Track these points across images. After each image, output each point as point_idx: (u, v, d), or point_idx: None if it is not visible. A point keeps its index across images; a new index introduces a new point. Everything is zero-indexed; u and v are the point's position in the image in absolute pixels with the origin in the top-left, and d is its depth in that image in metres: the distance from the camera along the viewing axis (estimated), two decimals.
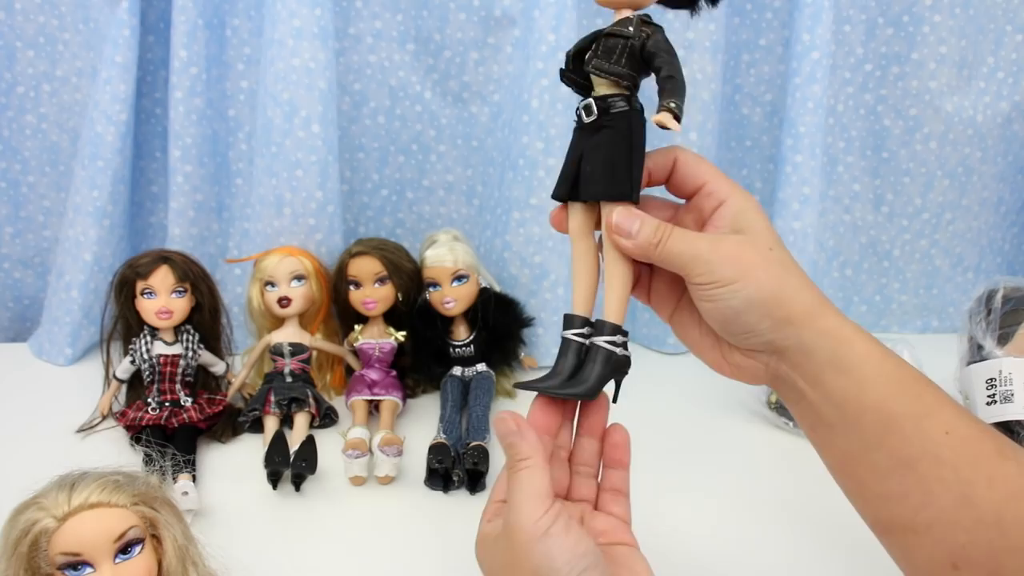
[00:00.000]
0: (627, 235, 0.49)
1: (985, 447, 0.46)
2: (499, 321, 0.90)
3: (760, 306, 0.48)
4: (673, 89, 0.47)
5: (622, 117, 0.50)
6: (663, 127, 0.45)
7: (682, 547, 0.69)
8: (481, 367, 0.90)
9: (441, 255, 0.88)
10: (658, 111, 0.46)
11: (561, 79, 0.54)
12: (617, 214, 0.49)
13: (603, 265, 0.51)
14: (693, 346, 0.55)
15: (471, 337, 0.90)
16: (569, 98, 0.93)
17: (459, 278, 0.88)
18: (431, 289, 0.88)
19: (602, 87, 0.50)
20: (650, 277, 0.55)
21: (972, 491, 0.45)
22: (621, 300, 0.50)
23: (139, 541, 0.51)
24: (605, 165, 0.50)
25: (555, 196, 0.52)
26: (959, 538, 0.45)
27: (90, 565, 0.49)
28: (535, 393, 0.51)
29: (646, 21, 0.50)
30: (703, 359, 0.54)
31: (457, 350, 0.90)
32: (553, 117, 0.92)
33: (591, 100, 0.50)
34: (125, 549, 0.50)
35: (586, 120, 0.50)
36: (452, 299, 0.87)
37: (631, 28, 0.49)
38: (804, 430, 0.52)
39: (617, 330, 0.49)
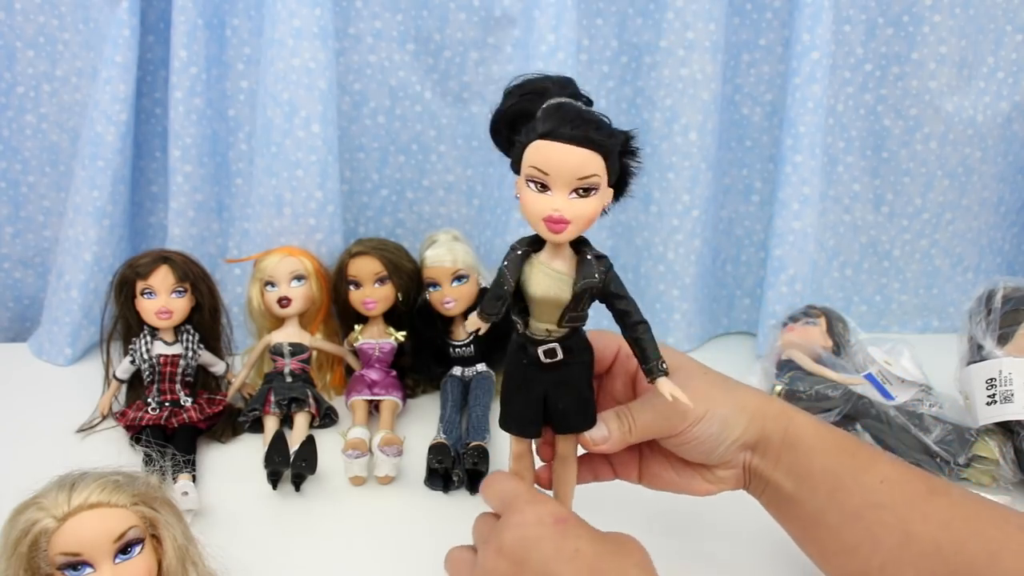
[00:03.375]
0: (602, 442, 0.55)
1: (917, 487, 0.54)
2: (500, 321, 0.90)
3: (732, 418, 0.56)
4: (653, 340, 0.52)
5: (584, 351, 0.54)
6: (676, 398, 0.51)
7: (680, 544, 0.69)
8: (481, 367, 0.90)
9: (441, 255, 0.88)
10: (657, 377, 0.52)
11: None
12: (588, 435, 0.55)
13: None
14: (672, 486, 0.61)
15: (471, 337, 0.90)
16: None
17: (459, 278, 0.88)
18: (431, 289, 0.88)
19: (561, 330, 0.52)
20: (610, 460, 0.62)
21: (911, 528, 0.52)
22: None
23: (139, 541, 0.51)
24: (579, 403, 0.54)
25: (525, 435, 0.56)
26: (908, 573, 0.52)
27: (90, 565, 0.49)
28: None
29: (598, 255, 0.52)
30: (688, 492, 0.60)
31: (457, 350, 0.90)
32: None
33: (554, 345, 0.52)
34: (125, 549, 0.50)
35: (546, 361, 0.52)
36: (452, 299, 0.87)
37: (596, 275, 0.51)
38: (773, 514, 0.60)
39: None
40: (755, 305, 1.09)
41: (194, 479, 0.75)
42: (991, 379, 0.77)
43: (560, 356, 0.52)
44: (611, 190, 0.51)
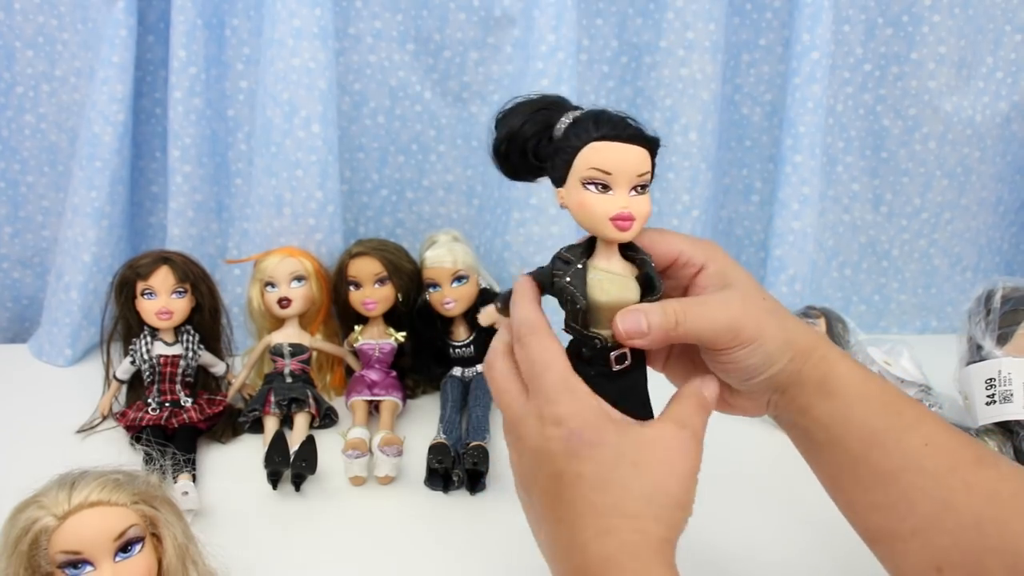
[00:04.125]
0: (640, 335, 0.49)
1: (964, 455, 0.49)
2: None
3: (776, 356, 0.51)
4: None
5: (640, 353, 0.52)
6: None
7: (682, 542, 0.69)
8: (481, 367, 0.90)
9: (441, 256, 0.88)
10: None
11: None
12: (620, 321, 0.49)
13: None
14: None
15: (471, 338, 0.90)
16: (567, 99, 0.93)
17: (459, 279, 0.88)
18: (431, 290, 0.88)
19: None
20: None
21: (952, 496, 0.48)
22: None
23: (139, 540, 0.51)
24: (642, 403, 0.52)
25: None
26: (942, 542, 0.48)
27: (90, 563, 0.49)
28: None
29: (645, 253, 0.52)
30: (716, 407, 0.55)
31: (457, 351, 0.90)
32: None
33: (625, 350, 0.51)
34: (125, 548, 0.50)
35: (616, 368, 0.51)
36: (452, 300, 0.87)
37: (659, 283, 0.51)
38: (800, 451, 0.55)
39: None
40: None
41: (194, 479, 0.75)
42: (990, 379, 0.77)
43: (629, 360, 0.51)
44: None
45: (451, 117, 1.01)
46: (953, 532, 0.48)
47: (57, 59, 1.00)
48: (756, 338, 0.51)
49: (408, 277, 0.89)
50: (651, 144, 0.51)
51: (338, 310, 0.92)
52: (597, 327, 0.50)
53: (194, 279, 0.84)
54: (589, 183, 0.49)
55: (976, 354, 0.80)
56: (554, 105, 0.52)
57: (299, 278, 0.88)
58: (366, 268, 0.88)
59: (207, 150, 0.97)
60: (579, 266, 0.51)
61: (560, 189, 0.51)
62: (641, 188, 0.50)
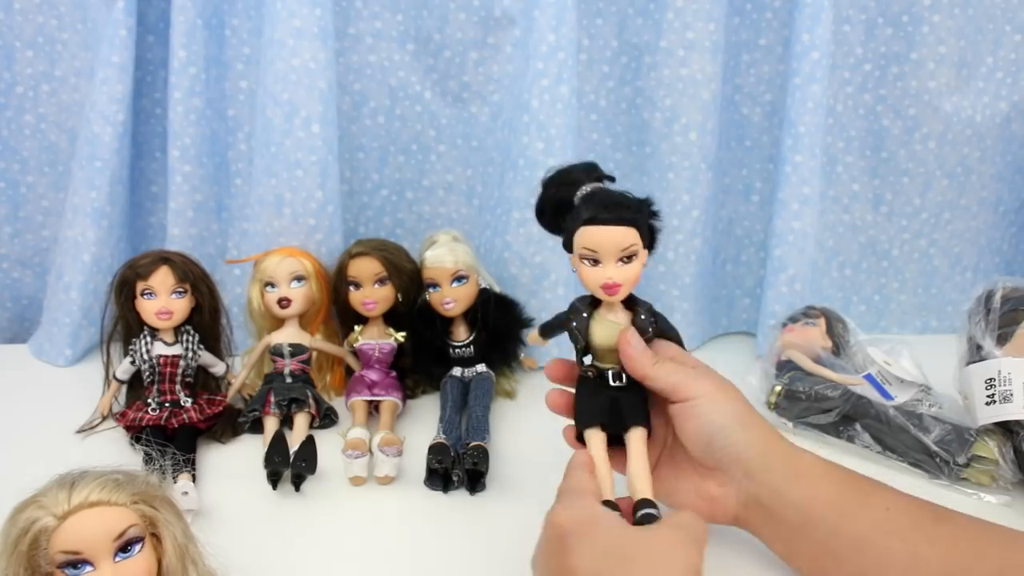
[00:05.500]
0: (630, 346, 0.61)
1: (923, 513, 0.56)
2: (499, 322, 0.90)
3: (736, 419, 0.61)
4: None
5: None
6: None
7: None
8: (481, 367, 0.90)
9: (441, 256, 0.88)
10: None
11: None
12: (628, 335, 0.62)
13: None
14: (674, 494, 0.64)
15: (471, 338, 0.90)
16: (568, 99, 0.93)
17: (459, 279, 0.88)
18: (431, 290, 0.88)
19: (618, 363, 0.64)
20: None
21: (918, 551, 0.54)
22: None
23: (139, 540, 0.51)
24: (640, 404, 0.63)
25: (595, 422, 0.62)
26: None
27: (90, 563, 0.49)
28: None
29: (647, 308, 0.65)
30: (682, 503, 0.63)
31: (457, 351, 0.90)
32: (553, 117, 0.93)
33: (622, 374, 0.64)
34: (125, 548, 0.50)
35: (613, 384, 0.64)
36: (452, 300, 0.87)
37: (649, 327, 0.64)
38: (778, 550, 0.61)
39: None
40: (755, 305, 1.09)
41: (194, 479, 0.75)
42: (990, 379, 0.77)
43: (625, 380, 0.64)
44: (646, 252, 0.62)
45: (451, 117, 1.01)
46: None
47: (57, 59, 1.00)
48: (715, 392, 0.61)
49: (408, 277, 0.89)
50: (633, 222, 0.61)
51: (338, 310, 0.92)
52: (598, 359, 0.65)
53: (194, 279, 0.84)
54: (583, 258, 0.61)
55: (976, 354, 0.80)
56: (577, 181, 0.64)
57: (299, 278, 0.88)
58: (366, 268, 0.88)
59: (207, 150, 0.97)
60: (584, 315, 0.64)
61: (570, 255, 0.63)
62: (628, 258, 0.61)
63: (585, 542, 0.50)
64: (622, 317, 0.64)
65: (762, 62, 1.01)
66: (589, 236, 0.61)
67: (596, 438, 0.62)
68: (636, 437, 0.62)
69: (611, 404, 0.63)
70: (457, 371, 0.90)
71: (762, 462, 0.60)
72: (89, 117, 0.92)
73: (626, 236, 0.60)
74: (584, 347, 0.64)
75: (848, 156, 1.05)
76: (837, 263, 1.10)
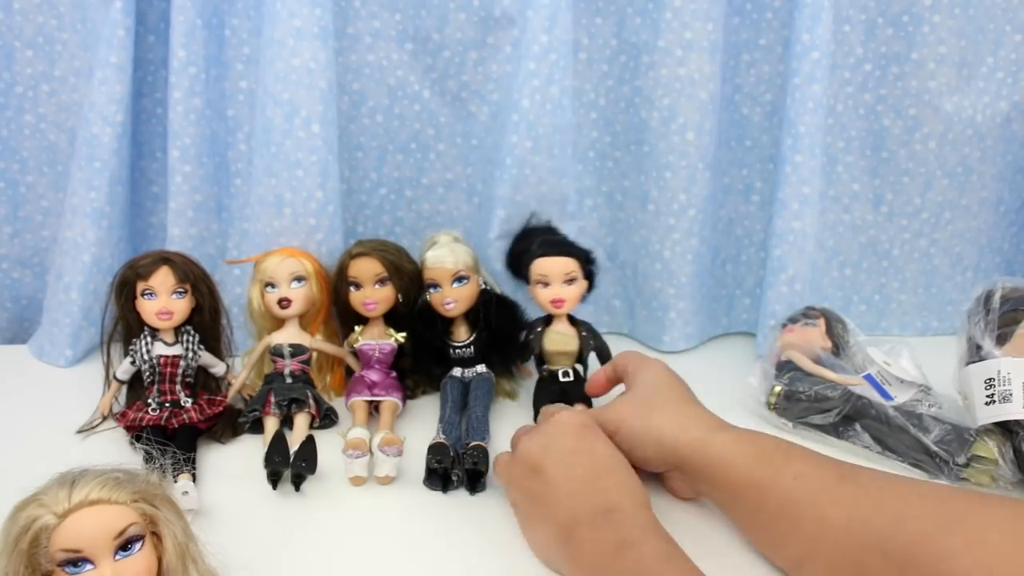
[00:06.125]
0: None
1: (827, 478, 0.61)
2: (500, 322, 0.90)
3: (640, 441, 0.71)
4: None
5: (581, 373, 0.89)
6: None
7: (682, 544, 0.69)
8: (481, 368, 0.90)
9: (441, 256, 0.88)
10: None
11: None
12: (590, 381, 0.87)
13: None
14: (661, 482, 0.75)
15: (471, 338, 0.90)
16: (558, 99, 0.93)
17: (460, 279, 0.88)
18: (431, 290, 0.88)
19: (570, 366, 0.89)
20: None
21: (824, 513, 0.59)
22: None
23: (139, 538, 0.51)
24: (581, 390, 0.87)
25: (543, 405, 0.84)
26: (829, 554, 0.59)
27: (90, 562, 0.49)
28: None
29: (586, 326, 0.90)
30: (665, 487, 0.75)
31: (457, 351, 0.90)
32: (542, 117, 0.93)
33: (568, 369, 0.88)
34: (125, 546, 0.50)
35: (562, 380, 0.88)
36: (452, 300, 0.87)
37: (592, 338, 0.90)
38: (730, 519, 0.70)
39: None
40: (755, 305, 1.09)
41: (194, 479, 0.75)
42: (990, 379, 0.77)
43: (572, 377, 0.88)
44: (585, 282, 0.88)
45: (450, 116, 1.01)
46: (834, 542, 0.58)
47: (56, 59, 1.00)
48: (618, 427, 0.72)
49: (408, 278, 0.89)
50: (573, 254, 0.88)
51: (338, 311, 0.92)
52: (549, 362, 0.89)
53: (194, 279, 0.84)
54: (537, 283, 0.88)
55: (976, 354, 0.79)
56: (534, 233, 0.93)
57: (299, 278, 0.88)
58: (367, 269, 0.88)
59: (207, 150, 0.97)
60: (539, 330, 0.89)
61: (529, 287, 0.89)
62: (570, 281, 0.87)
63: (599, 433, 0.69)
64: (568, 330, 0.89)
65: (762, 62, 1.01)
66: (541, 265, 0.87)
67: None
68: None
69: (560, 392, 0.86)
70: (457, 371, 0.90)
71: (680, 461, 0.69)
72: (88, 117, 0.92)
73: (567, 264, 0.87)
74: (539, 355, 0.89)
75: (848, 156, 1.05)
76: (837, 263, 1.10)
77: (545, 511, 0.64)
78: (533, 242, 0.89)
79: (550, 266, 0.86)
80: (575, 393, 0.86)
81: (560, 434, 0.68)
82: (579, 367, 0.89)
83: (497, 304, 0.90)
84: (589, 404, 0.86)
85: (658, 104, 0.98)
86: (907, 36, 0.99)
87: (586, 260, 0.88)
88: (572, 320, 0.89)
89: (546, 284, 0.87)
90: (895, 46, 1.00)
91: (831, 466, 0.62)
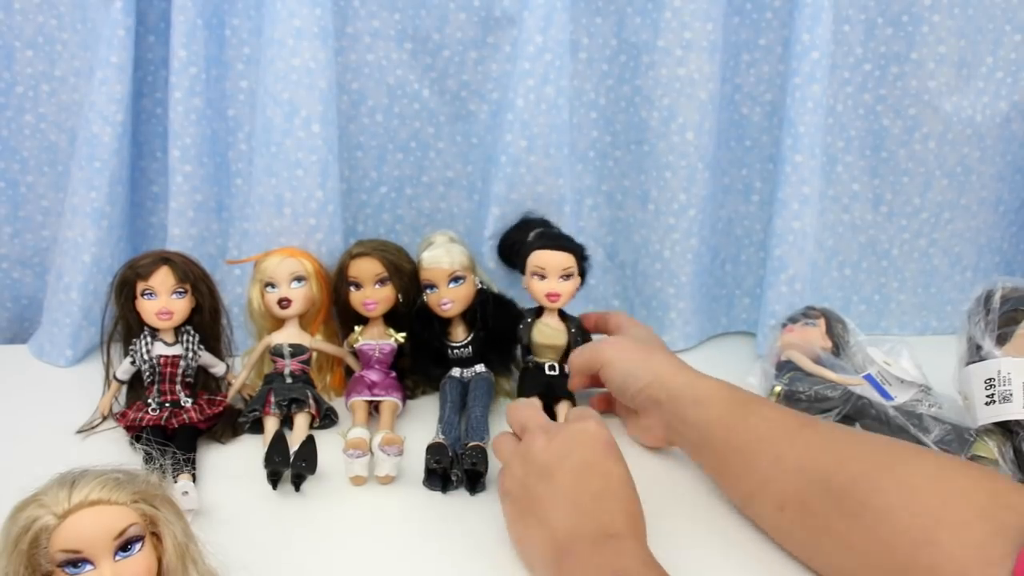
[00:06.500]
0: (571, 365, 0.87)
1: (789, 423, 0.69)
2: (498, 321, 0.90)
3: (634, 374, 0.79)
4: None
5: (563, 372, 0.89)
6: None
7: (683, 539, 0.69)
8: (480, 368, 0.90)
9: (437, 256, 0.88)
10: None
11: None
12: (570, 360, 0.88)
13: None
14: (631, 431, 0.85)
15: (469, 338, 0.90)
16: (554, 99, 0.93)
17: (456, 279, 0.88)
18: (428, 291, 0.88)
19: (557, 360, 0.90)
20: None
21: (780, 451, 0.67)
22: None
23: (139, 539, 0.51)
24: (565, 384, 0.88)
25: (535, 395, 0.87)
26: (779, 486, 0.66)
27: (90, 562, 0.49)
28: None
29: (576, 321, 0.91)
30: (635, 436, 0.85)
31: (455, 351, 0.90)
32: (537, 116, 0.93)
33: (555, 363, 0.89)
34: (125, 546, 0.50)
35: (548, 373, 0.88)
36: (449, 300, 0.87)
37: (581, 333, 0.91)
38: (692, 457, 0.78)
39: None
40: (755, 305, 1.09)
41: (194, 479, 0.75)
42: (990, 379, 0.77)
43: (558, 371, 0.89)
44: (579, 278, 0.88)
45: (450, 115, 1.01)
46: (783, 479, 0.65)
47: (57, 59, 1.00)
48: (611, 359, 0.81)
49: (408, 278, 0.89)
50: (571, 250, 0.87)
51: (338, 310, 0.92)
52: (536, 355, 0.90)
53: (194, 279, 0.84)
54: (534, 274, 0.87)
55: (976, 354, 0.79)
56: (530, 225, 0.93)
57: (299, 278, 0.88)
58: (367, 269, 0.88)
59: (207, 150, 0.97)
60: (528, 321, 0.90)
61: (524, 277, 0.89)
62: (566, 276, 0.87)
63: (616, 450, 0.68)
64: (558, 325, 0.89)
65: (762, 62, 1.01)
66: (540, 257, 0.87)
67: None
68: (563, 407, 0.86)
69: (545, 385, 0.87)
70: (456, 371, 0.90)
71: (667, 394, 0.76)
72: (88, 117, 0.92)
73: (566, 259, 0.87)
74: (527, 347, 0.90)
75: (848, 156, 1.05)
76: (837, 263, 1.10)
77: (544, 517, 0.63)
78: (531, 232, 0.90)
79: (548, 259, 0.87)
80: (559, 386, 0.87)
81: (583, 445, 0.66)
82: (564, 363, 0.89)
83: (494, 303, 0.90)
84: (573, 401, 0.87)
85: (658, 104, 0.98)
86: (907, 36, 0.99)
87: (582, 256, 0.88)
88: (562, 315, 0.90)
89: (543, 277, 0.87)
90: (895, 46, 1.00)
91: (794, 415, 0.70)
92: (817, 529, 0.63)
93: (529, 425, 0.70)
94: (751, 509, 0.71)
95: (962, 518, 0.55)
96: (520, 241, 0.90)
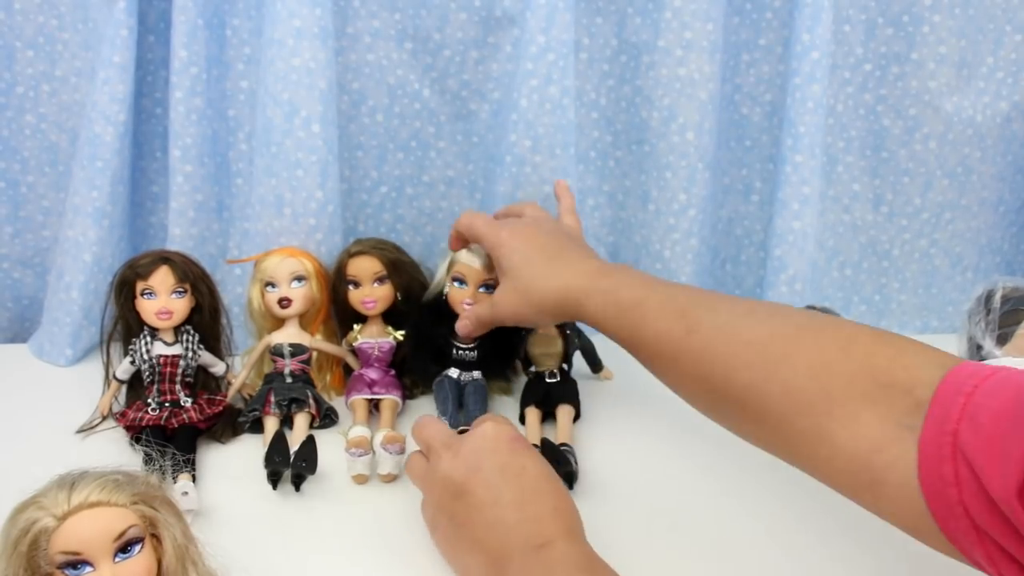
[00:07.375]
0: (471, 321, 0.85)
1: (675, 331, 0.66)
2: (505, 330, 0.89)
3: (551, 311, 0.78)
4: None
5: (566, 375, 0.90)
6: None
7: (682, 522, 0.69)
8: (477, 374, 0.89)
9: (475, 258, 0.87)
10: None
11: None
12: (463, 318, 0.87)
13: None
14: None
15: (477, 341, 0.89)
16: (559, 99, 0.93)
17: (487, 286, 0.87)
18: (456, 284, 0.88)
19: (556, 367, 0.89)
20: None
21: (680, 368, 0.66)
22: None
23: (139, 540, 0.51)
24: (570, 392, 0.88)
25: (527, 406, 0.87)
26: (685, 393, 0.68)
27: (90, 564, 0.49)
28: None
29: (573, 327, 0.92)
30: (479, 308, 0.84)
31: (460, 352, 0.89)
32: (541, 117, 0.93)
33: (556, 373, 0.89)
34: (125, 548, 0.50)
35: (548, 380, 0.88)
36: (472, 303, 0.86)
37: (578, 337, 0.93)
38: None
39: None
40: None
41: (194, 479, 0.75)
42: None
43: (558, 377, 0.89)
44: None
45: (450, 114, 1.01)
46: (692, 387, 0.67)
47: (57, 59, 1.00)
48: (533, 317, 0.80)
49: (407, 275, 0.89)
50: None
51: (336, 309, 0.92)
52: (536, 364, 0.89)
53: (194, 279, 0.84)
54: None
55: (976, 354, 0.80)
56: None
57: (299, 278, 0.88)
58: (365, 267, 0.88)
59: (208, 150, 0.97)
60: (523, 333, 0.90)
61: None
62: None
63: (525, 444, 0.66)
64: (552, 331, 0.89)
65: (762, 62, 1.01)
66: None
67: (532, 414, 0.86)
68: (563, 411, 0.86)
69: (545, 393, 0.87)
70: (454, 372, 0.89)
71: (582, 311, 0.74)
72: (90, 117, 0.92)
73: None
74: (525, 357, 0.90)
75: (848, 156, 1.05)
76: (837, 263, 1.10)
77: (473, 540, 0.61)
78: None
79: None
80: (558, 393, 0.87)
81: (488, 451, 0.63)
82: (565, 367, 0.90)
83: None
84: (577, 405, 0.87)
85: (658, 104, 0.98)
86: (907, 36, 0.99)
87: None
88: (559, 324, 0.90)
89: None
90: (895, 46, 1.00)
91: (680, 320, 0.66)
92: (739, 428, 0.65)
93: (433, 444, 0.67)
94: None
95: (849, 411, 0.55)
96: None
